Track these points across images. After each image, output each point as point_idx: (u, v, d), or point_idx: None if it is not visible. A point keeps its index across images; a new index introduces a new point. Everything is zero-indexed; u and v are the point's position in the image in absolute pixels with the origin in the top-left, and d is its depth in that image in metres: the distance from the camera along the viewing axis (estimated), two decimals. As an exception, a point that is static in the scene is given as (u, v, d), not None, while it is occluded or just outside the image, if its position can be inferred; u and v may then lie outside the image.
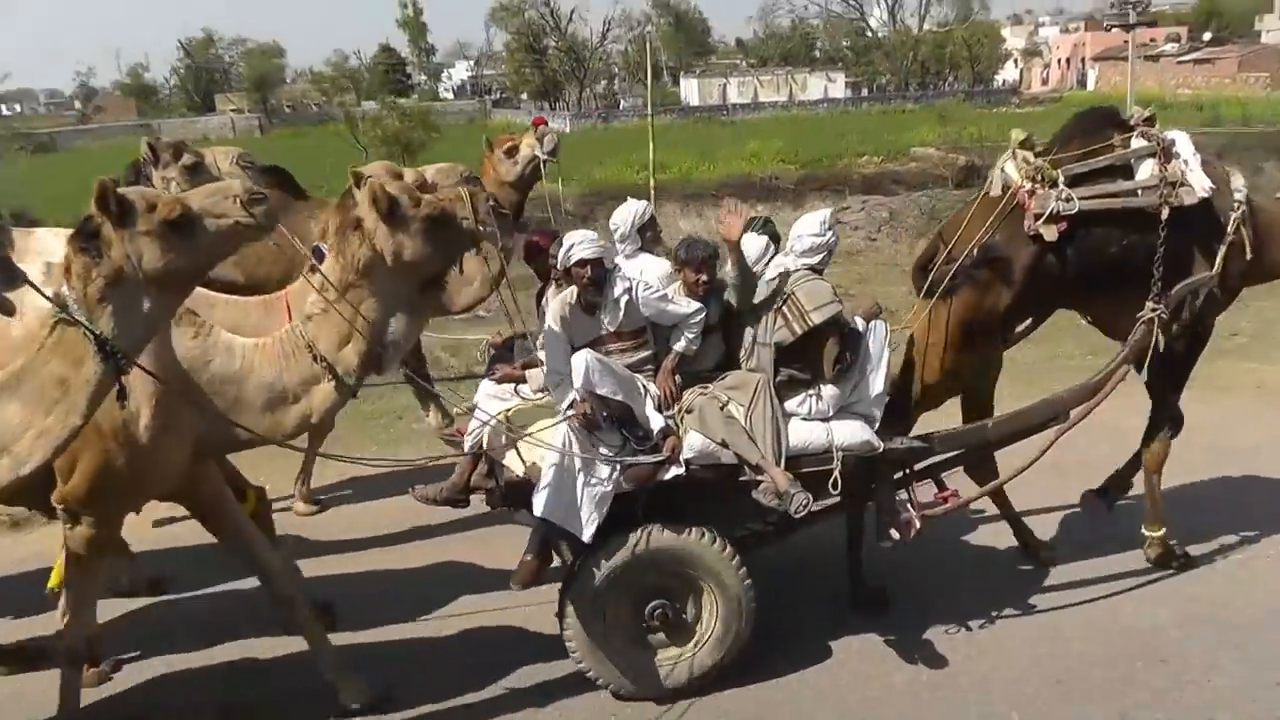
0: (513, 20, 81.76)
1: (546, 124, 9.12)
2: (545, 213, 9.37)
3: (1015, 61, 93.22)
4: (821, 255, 6.28)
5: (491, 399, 6.46)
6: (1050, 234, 6.49)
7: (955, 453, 6.90)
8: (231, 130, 74.12)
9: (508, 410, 6.29)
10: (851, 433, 6.09)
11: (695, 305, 6.11)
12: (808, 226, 6.33)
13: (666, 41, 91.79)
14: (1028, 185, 6.57)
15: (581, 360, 5.87)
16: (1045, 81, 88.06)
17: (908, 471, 6.66)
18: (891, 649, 6.61)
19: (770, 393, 6.00)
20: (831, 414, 6.12)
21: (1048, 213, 6.47)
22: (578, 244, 6.04)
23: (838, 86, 76.31)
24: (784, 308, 6.03)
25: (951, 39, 76.08)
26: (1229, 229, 6.71)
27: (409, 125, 25.44)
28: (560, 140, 9.29)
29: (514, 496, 6.08)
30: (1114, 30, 79.43)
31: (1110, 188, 6.66)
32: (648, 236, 6.89)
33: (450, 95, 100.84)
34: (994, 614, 6.91)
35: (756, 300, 6.12)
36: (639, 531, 5.92)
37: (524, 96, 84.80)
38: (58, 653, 5.93)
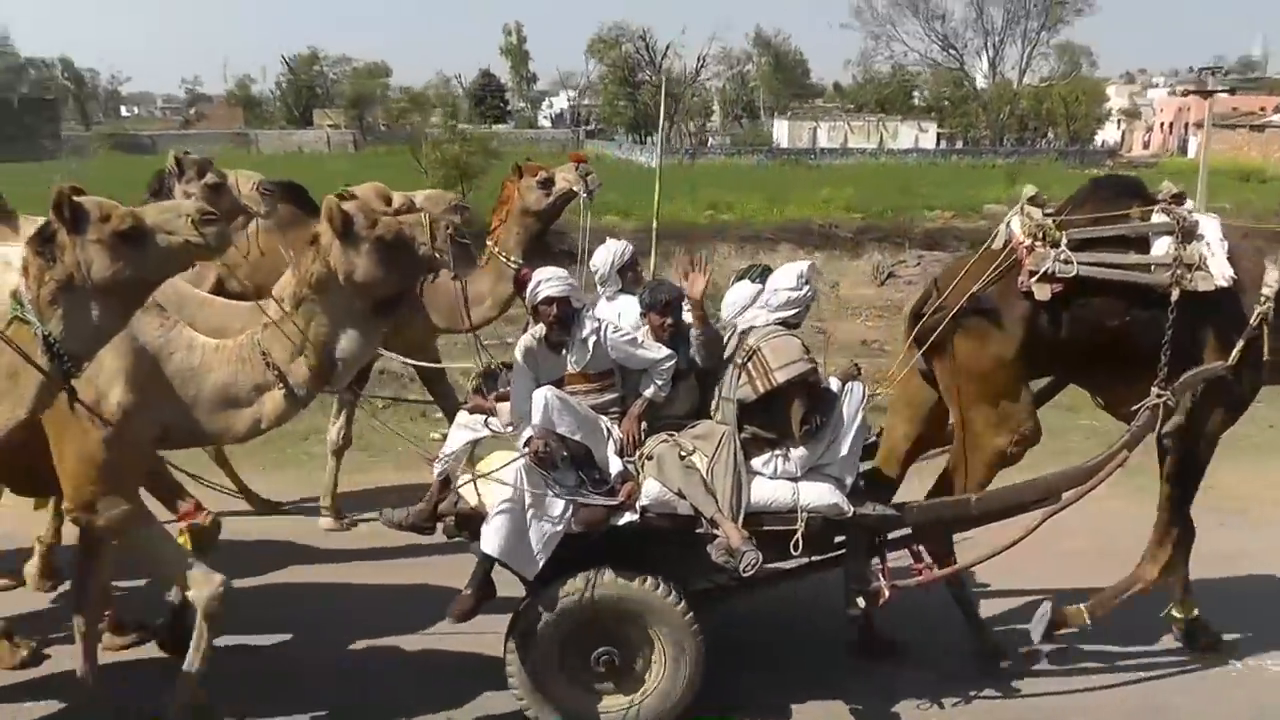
0: (609, 53, 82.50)
1: (585, 161, 9.06)
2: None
3: (1118, 123, 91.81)
4: (796, 310, 6.15)
5: (462, 429, 6.38)
6: (1042, 293, 6.26)
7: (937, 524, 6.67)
8: (326, 145, 75.62)
9: (474, 441, 6.29)
10: (819, 494, 5.91)
11: (664, 352, 5.99)
12: (784, 279, 6.18)
13: (765, 81, 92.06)
14: (1027, 241, 6.39)
15: (541, 396, 5.78)
16: (1146, 145, 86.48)
17: (881, 539, 6.44)
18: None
19: (734, 446, 5.87)
20: (799, 474, 5.95)
21: (1042, 271, 6.26)
22: (545, 281, 5.98)
23: (929, 137, 76.14)
24: (749, 364, 5.89)
25: (1049, 95, 75.09)
26: (1251, 322, 6.40)
27: (468, 150, 25.54)
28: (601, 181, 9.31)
29: (466, 528, 6.00)
30: (1221, 94, 79.17)
31: (1117, 258, 6.41)
32: (628, 278, 6.83)
33: (548, 124, 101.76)
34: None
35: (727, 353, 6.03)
36: (589, 575, 5.80)
37: (619, 129, 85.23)
38: None
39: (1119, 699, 6.66)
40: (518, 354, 6.22)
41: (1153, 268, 6.34)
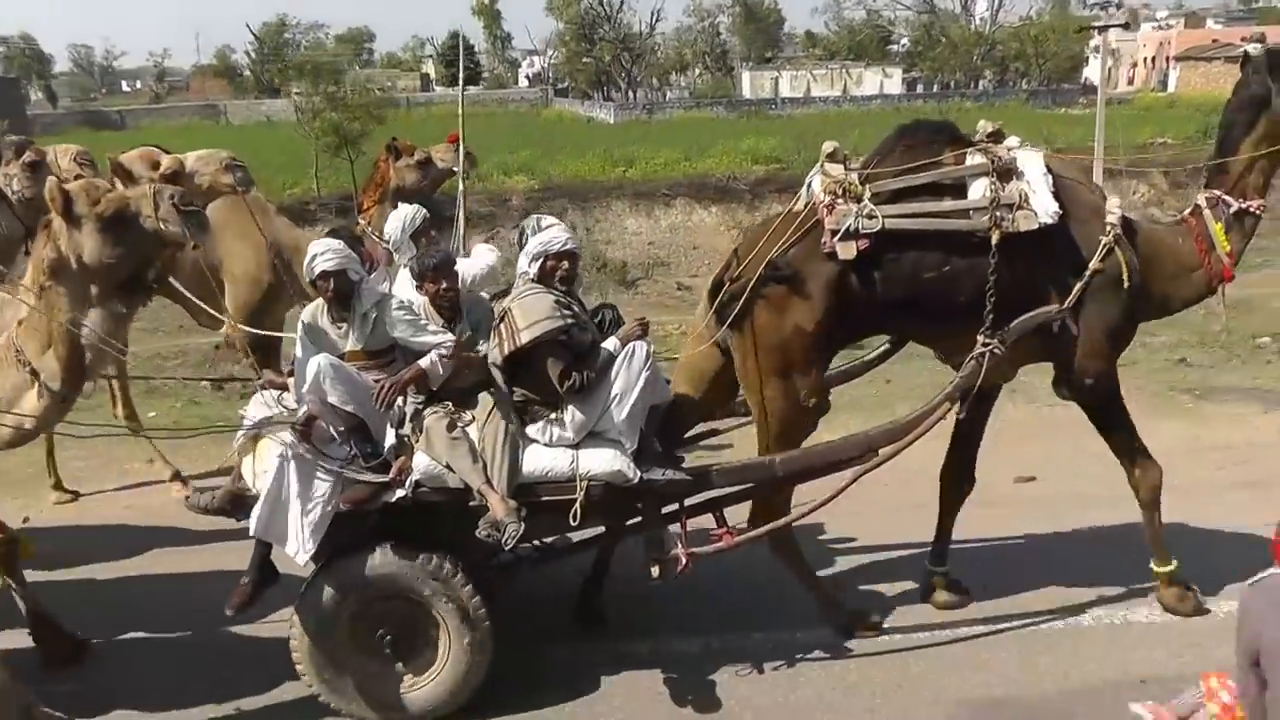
0: (567, 10, 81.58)
1: (459, 141, 8.91)
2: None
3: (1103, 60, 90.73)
4: (535, 262, 5.78)
5: (260, 406, 6.13)
6: (847, 252, 5.94)
7: (737, 488, 6.40)
8: (295, 114, 74.94)
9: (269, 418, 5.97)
10: (600, 461, 5.66)
11: (441, 337, 5.75)
12: (540, 234, 5.88)
13: (738, 31, 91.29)
14: (828, 199, 6.04)
15: (314, 364, 5.60)
16: (1130, 81, 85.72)
17: (680, 505, 6.19)
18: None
19: (504, 414, 5.64)
20: (577, 440, 5.70)
21: (844, 229, 5.94)
22: (319, 255, 5.75)
23: (894, 82, 75.05)
24: (501, 326, 5.65)
25: (1019, 35, 74.17)
26: (1095, 259, 6.09)
27: (348, 116, 25.18)
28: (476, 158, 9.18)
29: (238, 510, 5.77)
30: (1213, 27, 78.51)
31: (928, 206, 6.09)
32: (422, 244, 6.60)
33: (526, 83, 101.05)
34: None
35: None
36: (366, 554, 5.60)
37: (581, 86, 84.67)
38: None
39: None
40: (299, 328, 6.01)
41: (970, 212, 6.01)
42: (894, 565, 7.56)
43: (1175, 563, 6.68)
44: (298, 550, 5.52)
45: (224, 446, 7.54)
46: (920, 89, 76.18)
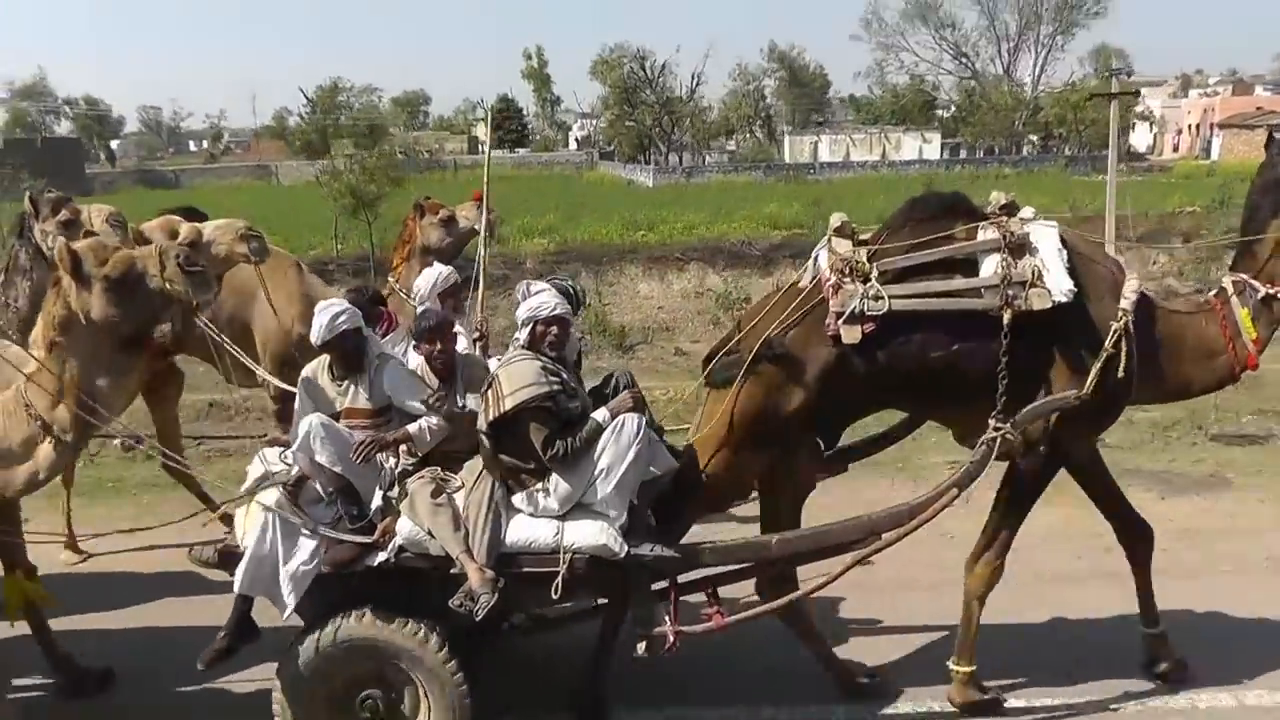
0: (610, 74, 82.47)
1: (483, 199, 9.04)
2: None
3: (1150, 126, 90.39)
4: (525, 329, 5.77)
5: (263, 463, 6.15)
6: (851, 336, 5.77)
7: (732, 567, 6.33)
8: (317, 176, 75.87)
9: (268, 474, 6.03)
10: (586, 533, 5.60)
11: (431, 429, 5.80)
12: (530, 299, 5.86)
13: (781, 95, 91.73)
14: (833, 278, 5.88)
15: (305, 423, 5.67)
16: (1176, 148, 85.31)
17: (672, 582, 6.11)
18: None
19: (491, 482, 5.64)
20: (561, 511, 5.65)
21: (849, 312, 5.77)
22: (341, 316, 5.87)
23: (933, 147, 75.44)
24: (489, 391, 5.62)
25: (1060, 101, 74.01)
26: (1109, 341, 5.83)
27: (366, 179, 25.67)
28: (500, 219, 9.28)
29: (226, 566, 5.81)
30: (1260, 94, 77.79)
31: (938, 285, 5.88)
32: (448, 305, 6.72)
33: (575, 146, 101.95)
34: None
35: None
36: (348, 617, 5.60)
37: (624, 149, 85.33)
38: None
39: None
40: (300, 383, 6.10)
41: (982, 290, 5.82)
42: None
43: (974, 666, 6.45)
44: (280, 606, 5.59)
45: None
46: (962, 154, 76.18)
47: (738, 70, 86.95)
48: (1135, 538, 6.65)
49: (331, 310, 5.88)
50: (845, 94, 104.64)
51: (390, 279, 9.10)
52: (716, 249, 25.03)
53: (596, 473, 5.62)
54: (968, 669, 6.40)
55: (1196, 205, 30.22)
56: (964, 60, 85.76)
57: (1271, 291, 6.15)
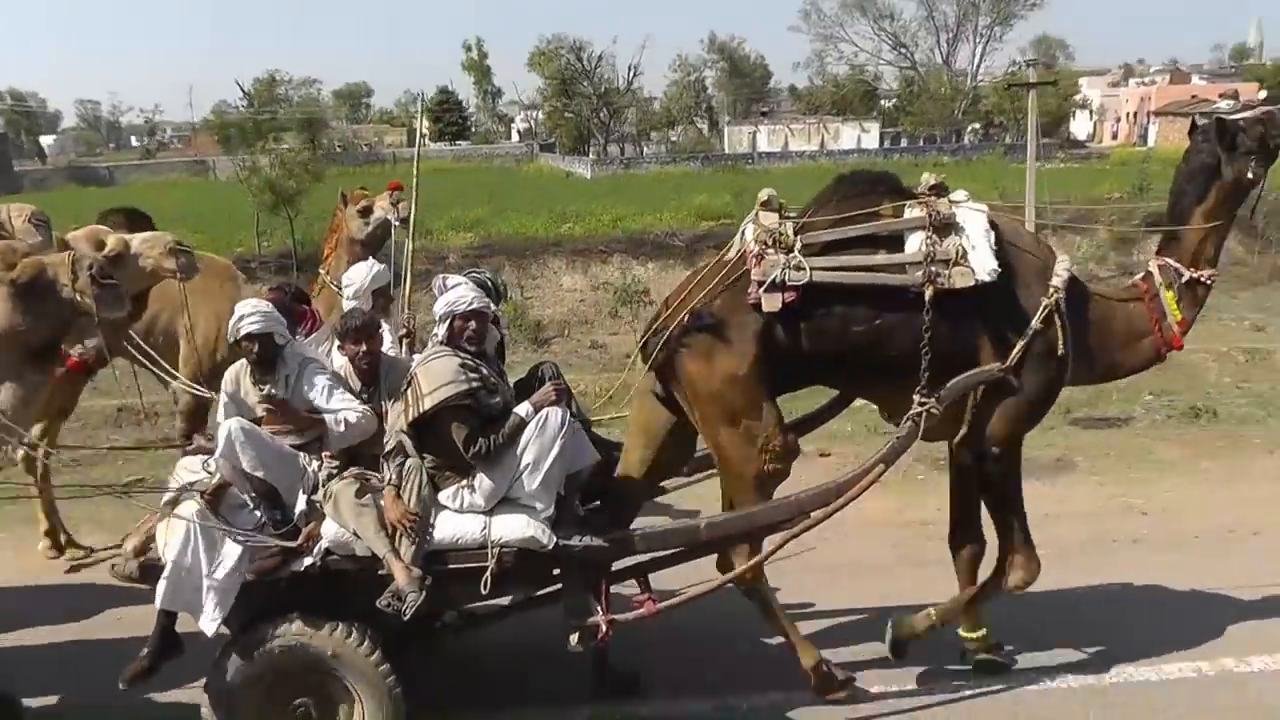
0: (548, 65, 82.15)
1: (402, 189, 8.92)
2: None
3: (1090, 114, 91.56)
4: (443, 324, 5.70)
5: (186, 470, 6.00)
6: (771, 304, 5.81)
7: (665, 553, 6.28)
8: (237, 172, 75.39)
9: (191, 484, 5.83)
10: (514, 527, 5.53)
11: (350, 405, 5.69)
12: (447, 294, 5.79)
13: (722, 86, 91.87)
14: (757, 249, 5.91)
15: (225, 428, 5.52)
16: (1115, 136, 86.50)
17: (606, 570, 6.05)
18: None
19: (414, 481, 5.50)
20: (487, 506, 5.58)
21: (769, 280, 5.82)
22: (246, 317, 5.67)
23: (871, 136, 75.82)
24: (408, 391, 5.54)
25: (998, 90, 74.61)
26: (1035, 320, 5.92)
27: (285, 174, 25.45)
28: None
29: (147, 579, 5.64)
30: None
31: (860, 260, 5.93)
32: (378, 304, 6.60)
33: (518, 138, 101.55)
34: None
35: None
36: (276, 624, 5.47)
37: (566, 141, 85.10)
38: None
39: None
40: (224, 389, 5.94)
41: (905, 267, 5.87)
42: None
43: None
44: (205, 621, 5.42)
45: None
46: (903, 143, 76.52)
47: (678, 61, 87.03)
48: (960, 545, 6.70)
49: (240, 311, 5.73)
50: (787, 85, 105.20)
51: (321, 270, 8.99)
52: (640, 241, 25.10)
53: (521, 467, 5.56)
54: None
55: (1118, 193, 30.50)
56: (903, 51, 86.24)
57: (1196, 275, 6.31)
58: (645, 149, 79.16)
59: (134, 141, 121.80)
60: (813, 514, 6.09)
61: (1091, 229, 23.28)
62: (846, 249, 5.97)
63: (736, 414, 6.00)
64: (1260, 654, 6.82)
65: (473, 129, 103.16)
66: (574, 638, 5.78)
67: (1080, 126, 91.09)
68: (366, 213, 8.74)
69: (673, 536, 6.25)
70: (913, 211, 6.02)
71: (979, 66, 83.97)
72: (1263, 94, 72.30)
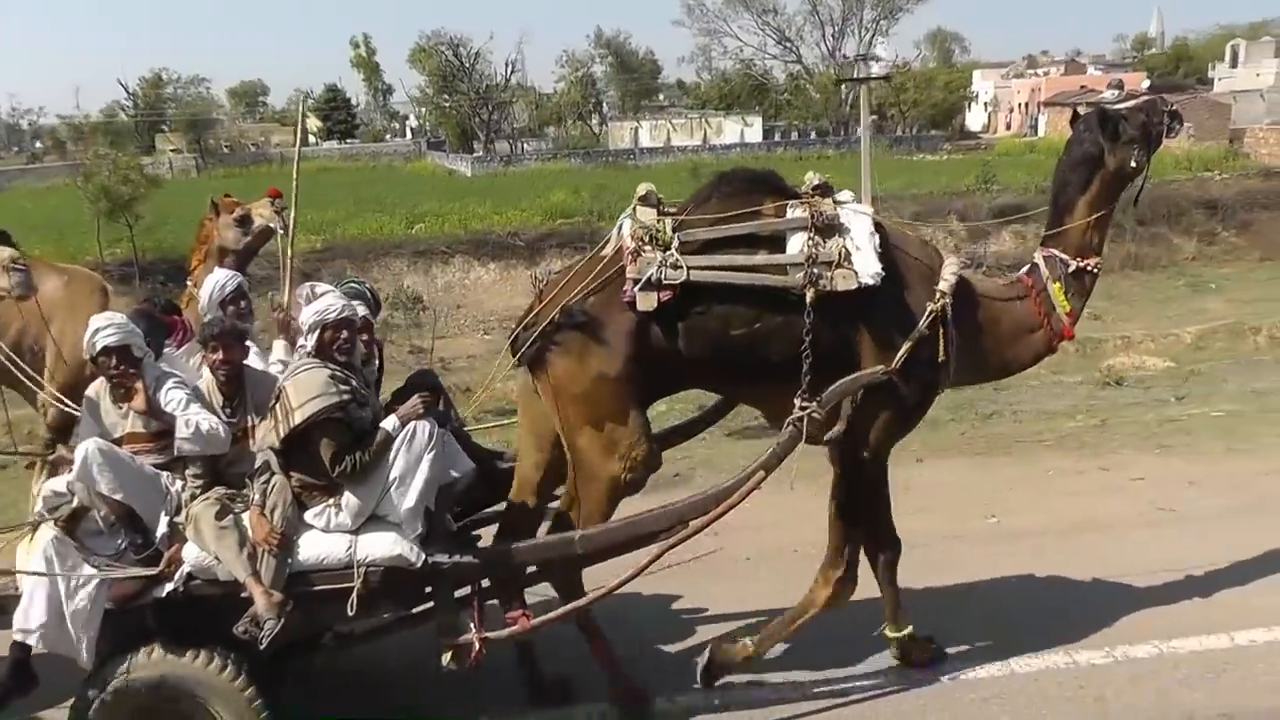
0: (429, 62, 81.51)
1: (280, 196, 8.75)
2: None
3: (985, 106, 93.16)
4: (311, 335, 5.52)
5: (53, 489, 5.68)
6: (646, 303, 5.65)
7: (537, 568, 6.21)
8: (169, 170, 74.44)
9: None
10: (381, 546, 5.38)
11: (203, 420, 5.46)
12: (315, 303, 5.61)
13: (611, 82, 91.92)
14: (633, 245, 5.75)
15: (82, 449, 5.30)
16: (1009, 126, 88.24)
17: (479, 588, 5.96)
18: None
19: (283, 499, 5.34)
20: (354, 525, 5.42)
21: (645, 278, 5.66)
22: (101, 330, 5.47)
23: (754, 130, 76.10)
24: (276, 406, 5.37)
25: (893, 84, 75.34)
26: (922, 324, 5.85)
27: (119, 180, 25.20)
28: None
29: (4, 611, 5.40)
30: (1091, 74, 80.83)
31: (739, 260, 5.78)
32: (229, 312, 6.36)
33: (410, 135, 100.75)
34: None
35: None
36: (136, 653, 5.27)
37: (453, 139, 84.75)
38: None
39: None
40: (84, 405, 5.75)
41: (787, 268, 5.74)
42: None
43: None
44: (74, 653, 5.24)
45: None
46: (791, 136, 76.95)
47: (566, 57, 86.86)
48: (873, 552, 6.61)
49: (94, 325, 5.54)
50: (675, 80, 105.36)
51: (189, 283, 8.78)
52: (481, 241, 25.13)
53: (389, 483, 5.42)
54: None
55: (965, 185, 31.20)
56: (788, 45, 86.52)
57: (1082, 265, 6.31)
58: (527, 146, 78.20)
59: (38, 145, 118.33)
60: (692, 523, 5.92)
61: (942, 223, 23.62)
62: (726, 248, 5.83)
63: (601, 418, 5.86)
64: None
65: (362, 126, 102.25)
66: (446, 657, 5.65)
67: (975, 118, 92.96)
68: (245, 221, 8.58)
69: (548, 549, 6.09)
70: (795, 211, 5.91)
71: (863, 59, 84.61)
72: (1146, 83, 74.51)
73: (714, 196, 6.03)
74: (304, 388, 5.33)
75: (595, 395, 5.81)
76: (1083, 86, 74.78)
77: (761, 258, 5.82)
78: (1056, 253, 6.37)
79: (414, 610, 5.95)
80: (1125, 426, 12.19)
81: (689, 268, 5.69)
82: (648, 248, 5.73)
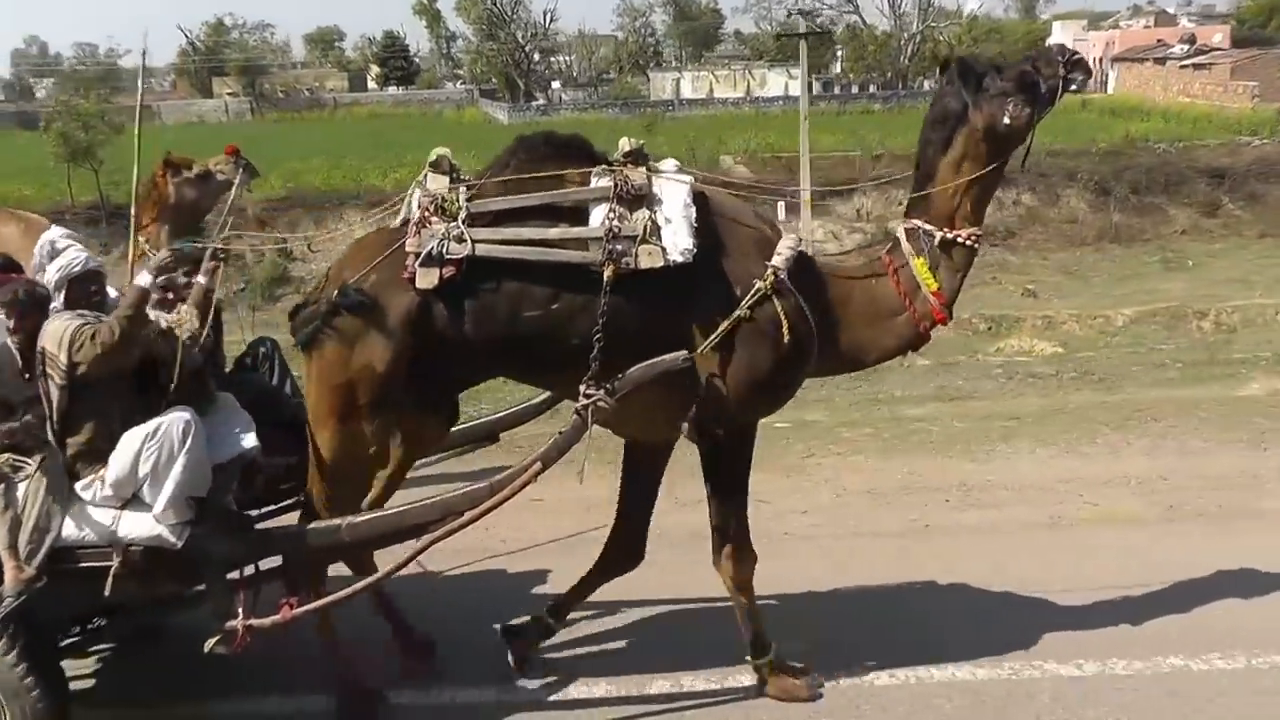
0: (473, 9, 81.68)
1: (238, 153, 8.77)
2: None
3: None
4: (57, 288, 5.36)
5: None
6: (427, 280, 5.18)
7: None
8: (225, 114, 75.16)
9: None
10: (143, 525, 5.20)
11: None
12: (58, 258, 5.43)
13: (670, 31, 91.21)
14: (419, 216, 5.31)
15: None
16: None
17: (248, 573, 5.70)
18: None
19: (48, 467, 5.14)
20: (117, 500, 5.23)
21: (425, 253, 5.19)
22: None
23: (798, 84, 74.14)
24: (45, 365, 5.11)
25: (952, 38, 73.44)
26: (744, 305, 5.33)
27: (79, 125, 25.82)
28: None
29: None
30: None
31: (533, 233, 5.29)
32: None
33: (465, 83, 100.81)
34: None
35: None
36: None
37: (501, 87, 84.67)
38: None
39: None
40: None
41: (587, 243, 5.26)
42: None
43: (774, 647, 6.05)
44: None
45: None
46: (837, 90, 75.53)
47: (623, 5, 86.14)
48: (624, 554, 6.31)
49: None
50: (733, 30, 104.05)
51: (141, 239, 8.77)
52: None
53: (141, 478, 5.21)
54: (768, 658, 6.04)
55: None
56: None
57: (950, 235, 5.58)
58: (564, 97, 77.42)
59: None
60: (465, 514, 5.54)
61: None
62: (521, 220, 5.36)
63: (353, 412, 5.47)
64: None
65: (422, 73, 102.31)
66: (210, 641, 5.47)
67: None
68: (206, 178, 8.59)
69: (312, 537, 5.74)
70: (600, 181, 5.41)
71: (928, 10, 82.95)
72: (1218, 37, 71.75)
73: (511, 163, 5.52)
74: (57, 332, 5.10)
75: (355, 389, 5.42)
76: (1159, 40, 73.03)
77: (560, 231, 5.34)
78: (920, 223, 5.62)
79: (189, 592, 5.83)
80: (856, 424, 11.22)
81: (474, 240, 5.22)
82: (435, 219, 5.29)
